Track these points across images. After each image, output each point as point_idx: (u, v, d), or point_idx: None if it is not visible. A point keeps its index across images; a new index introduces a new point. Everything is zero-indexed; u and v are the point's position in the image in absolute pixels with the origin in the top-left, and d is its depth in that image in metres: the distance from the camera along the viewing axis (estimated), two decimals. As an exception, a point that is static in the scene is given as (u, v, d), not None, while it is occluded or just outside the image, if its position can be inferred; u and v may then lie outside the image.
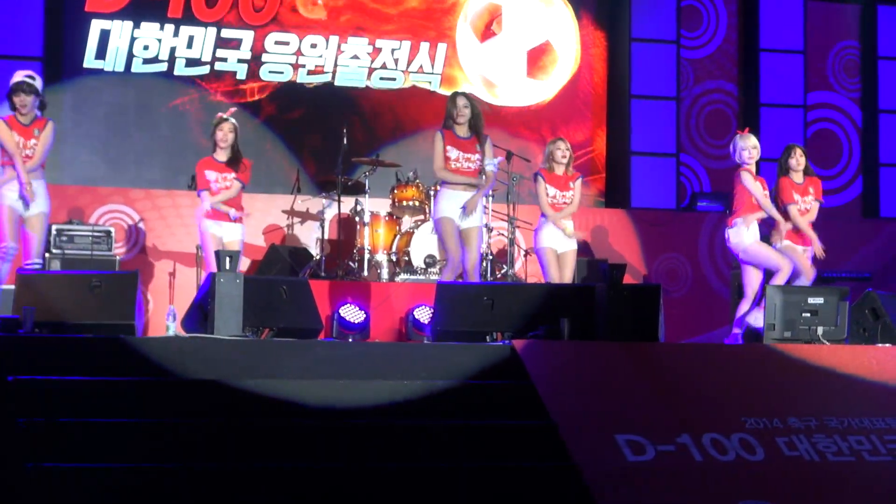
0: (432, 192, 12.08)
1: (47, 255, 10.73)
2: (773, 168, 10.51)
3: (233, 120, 10.03)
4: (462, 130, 9.52)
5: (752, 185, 9.94)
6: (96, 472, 6.11)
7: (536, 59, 14.28)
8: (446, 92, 12.87)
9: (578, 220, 11.08)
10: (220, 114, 10.13)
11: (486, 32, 14.15)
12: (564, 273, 10.04)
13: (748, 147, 9.99)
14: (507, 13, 14.19)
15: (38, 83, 9.54)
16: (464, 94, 9.65)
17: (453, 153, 9.48)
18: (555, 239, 10.07)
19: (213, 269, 9.53)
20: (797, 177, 10.24)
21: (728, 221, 10.09)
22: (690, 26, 14.74)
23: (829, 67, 15.19)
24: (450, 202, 9.48)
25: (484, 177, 9.55)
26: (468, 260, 9.46)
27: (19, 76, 9.53)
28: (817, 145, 14.71)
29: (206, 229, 9.89)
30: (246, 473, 6.34)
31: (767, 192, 10.08)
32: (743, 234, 9.92)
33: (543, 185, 10.11)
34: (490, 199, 11.97)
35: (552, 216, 10.06)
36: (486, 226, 11.56)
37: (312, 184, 13.03)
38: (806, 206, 10.14)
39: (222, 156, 9.97)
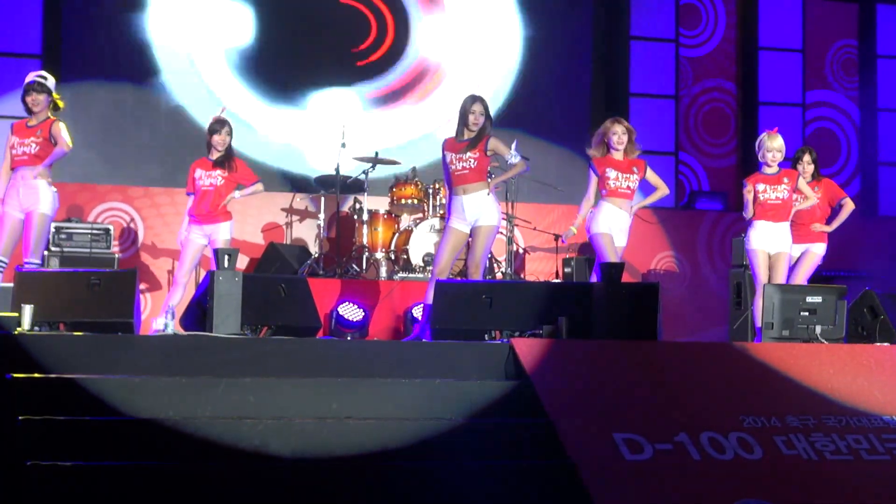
0: (430, 191, 12.09)
1: (46, 252, 10.70)
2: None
3: (229, 122, 9.95)
4: (466, 133, 9.28)
5: (747, 192, 9.77)
6: (95, 471, 6.11)
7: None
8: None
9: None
10: (214, 116, 10.02)
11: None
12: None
13: (773, 149, 9.74)
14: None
15: (50, 83, 9.46)
16: (481, 101, 9.29)
17: (447, 157, 9.32)
18: (610, 224, 9.50)
19: (184, 273, 9.58)
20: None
21: None
22: (689, 25, 14.75)
23: (827, 66, 15.19)
24: (455, 209, 9.28)
25: (512, 167, 9.46)
26: (472, 257, 9.26)
27: (31, 76, 9.47)
28: (816, 144, 14.70)
29: (189, 234, 9.81)
30: (245, 472, 6.35)
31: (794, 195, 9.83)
32: (750, 236, 9.84)
33: (595, 171, 9.58)
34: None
35: (619, 204, 9.51)
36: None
37: (311, 181, 13.04)
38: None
39: (216, 156, 9.91)
